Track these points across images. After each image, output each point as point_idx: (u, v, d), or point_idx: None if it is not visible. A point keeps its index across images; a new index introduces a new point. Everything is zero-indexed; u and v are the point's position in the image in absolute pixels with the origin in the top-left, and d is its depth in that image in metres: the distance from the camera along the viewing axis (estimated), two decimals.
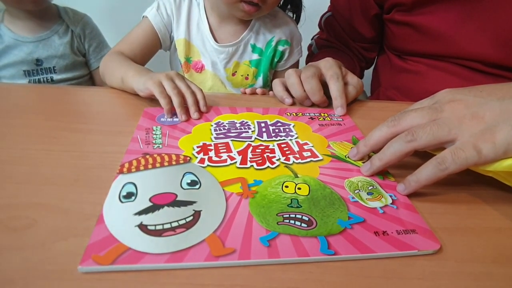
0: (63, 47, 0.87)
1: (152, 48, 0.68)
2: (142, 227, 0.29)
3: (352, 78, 0.55)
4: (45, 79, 0.87)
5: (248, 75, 0.74)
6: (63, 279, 0.25)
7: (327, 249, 0.28)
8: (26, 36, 0.84)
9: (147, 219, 0.29)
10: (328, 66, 0.53)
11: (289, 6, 0.79)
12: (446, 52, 0.62)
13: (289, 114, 0.51)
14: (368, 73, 0.87)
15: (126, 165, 0.37)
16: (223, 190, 0.34)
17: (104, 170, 0.36)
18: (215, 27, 0.70)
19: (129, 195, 0.32)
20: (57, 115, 0.48)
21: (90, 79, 0.96)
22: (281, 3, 0.76)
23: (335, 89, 0.51)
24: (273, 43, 0.72)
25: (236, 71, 0.73)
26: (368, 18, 0.72)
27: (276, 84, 0.55)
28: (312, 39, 0.86)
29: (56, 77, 0.88)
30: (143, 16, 0.68)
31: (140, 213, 0.30)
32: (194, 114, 0.47)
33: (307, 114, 0.51)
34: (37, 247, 0.27)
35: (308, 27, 0.84)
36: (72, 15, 0.90)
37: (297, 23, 0.79)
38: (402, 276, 0.27)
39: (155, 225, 0.29)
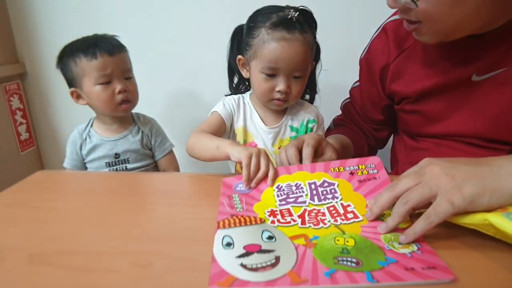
0: (135, 143, 1.10)
1: (221, 132, 0.90)
2: (243, 266, 0.42)
3: (327, 152, 0.72)
4: (121, 168, 1.10)
5: None
6: None
7: (372, 279, 0.40)
8: (109, 136, 1.09)
9: (245, 261, 0.43)
10: (308, 137, 0.70)
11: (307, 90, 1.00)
12: (448, 132, 0.77)
13: (332, 170, 0.63)
14: (387, 151, 1.03)
15: (221, 222, 0.52)
16: (292, 242, 0.48)
17: (192, 230, 0.52)
18: (262, 116, 0.93)
19: (229, 244, 0.47)
20: (146, 194, 0.66)
21: (155, 167, 1.19)
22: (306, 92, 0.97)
23: (303, 153, 0.67)
24: (305, 122, 0.93)
25: (281, 146, 0.92)
26: (379, 108, 0.91)
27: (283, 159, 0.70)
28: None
29: (129, 166, 1.11)
30: (212, 111, 0.91)
31: (239, 256, 0.44)
32: (253, 184, 0.62)
33: (348, 169, 0.63)
34: (162, 277, 0.42)
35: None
36: (142, 119, 1.16)
37: (312, 103, 1.00)
38: None
39: (252, 265, 0.42)
